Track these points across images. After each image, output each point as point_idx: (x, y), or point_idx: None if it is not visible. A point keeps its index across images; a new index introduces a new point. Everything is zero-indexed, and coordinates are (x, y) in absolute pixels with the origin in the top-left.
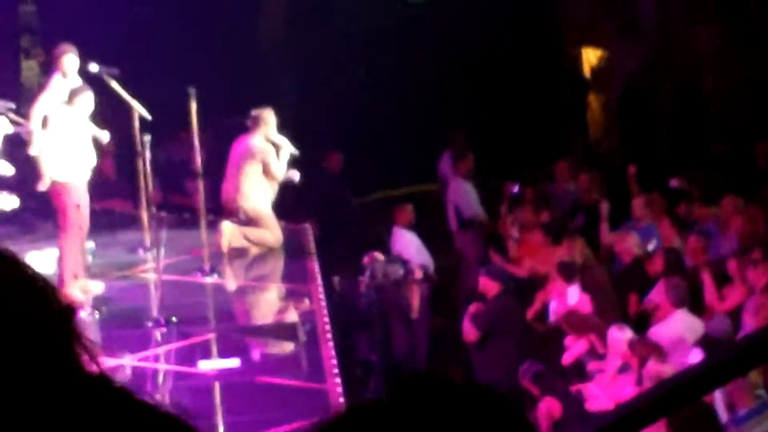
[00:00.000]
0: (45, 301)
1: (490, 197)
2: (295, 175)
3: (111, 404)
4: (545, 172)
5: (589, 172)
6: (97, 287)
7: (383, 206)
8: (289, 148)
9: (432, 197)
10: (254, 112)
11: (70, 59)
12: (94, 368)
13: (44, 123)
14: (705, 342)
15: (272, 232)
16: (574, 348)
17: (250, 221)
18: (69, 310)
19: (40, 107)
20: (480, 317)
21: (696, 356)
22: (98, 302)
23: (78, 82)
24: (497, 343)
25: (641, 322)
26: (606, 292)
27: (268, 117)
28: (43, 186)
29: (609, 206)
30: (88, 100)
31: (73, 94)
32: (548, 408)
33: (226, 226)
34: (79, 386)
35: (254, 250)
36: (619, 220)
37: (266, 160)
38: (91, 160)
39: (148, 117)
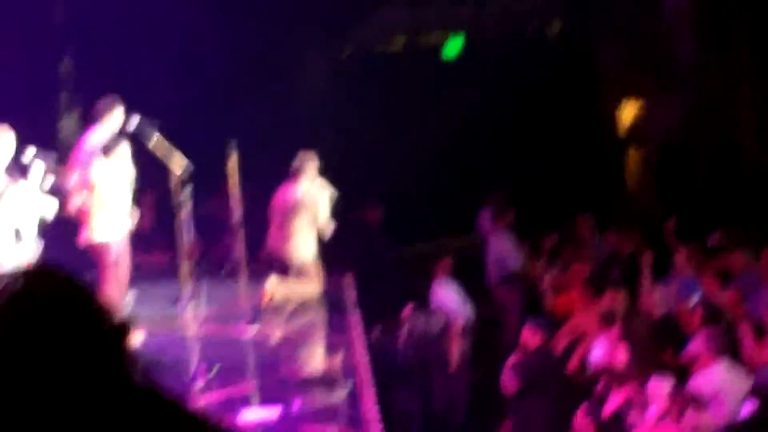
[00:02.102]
0: (98, 318)
1: (529, 250)
2: (330, 227)
3: (160, 412)
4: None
5: (623, 227)
6: (137, 339)
7: (423, 258)
8: (329, 191)
9: (471, 250)
10: (299, 159)
11: (118, 114)
12: (144, 382)
13: (82, 180)
14: (758, 392)
15: (314, 284)
16: (614, 399)
17: (297, 272)
18: (121, 327)
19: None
20: (520, 368)
21: (747, 407)
22: (137, 354)
23: (113, 135)
24: (536, 395)
25: (678, 375)
26: (645, 343)
27: (313, 163)
28: (84, 241)
29: (651, 257)
30: (125, 152)
31: (109, 148)
32: None
33: (272, 282)
34: (129, 396)
35: (294, 302)
36: (657, 275)
37: (316, 209)
38: (129, 215)
39: (189, 169)
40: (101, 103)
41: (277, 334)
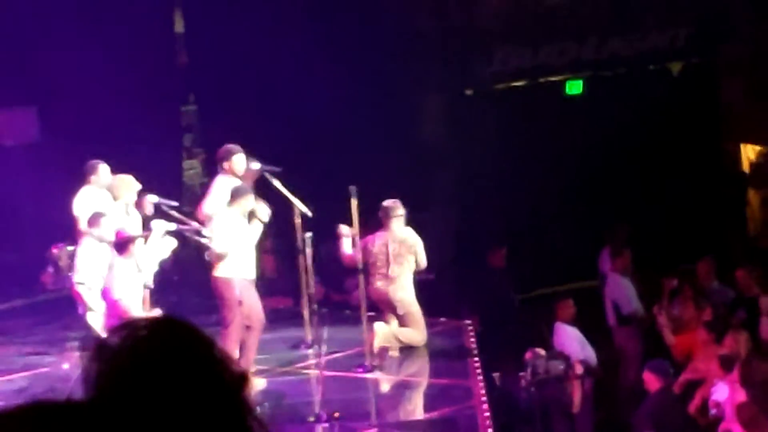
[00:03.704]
0: (218, 370)
1: (649, 292)
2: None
3: None
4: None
5: (748, 267)
6: (260, 383)
7: (545, 302)
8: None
9: (593, 293)
10: (388, 208)
11: (238, 160)
12: None
13: (209, 222)
14: None
15: (421, 331)
16: None
17: (402, 317)
18: (241, 380)
19: (209, 209)
20: (646, 412)
21: None
22: (261, 398)
23: (239, 181)
24: None
25: None
26: (766, 387)
27: (401, 209)
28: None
29: None
30: (249, 200)
31: (235, 195)
32: None
33: (380, 327)
34: None
35: (402, 347)
36: None
37: (418, 251)
38: (252, 258)
39: (309, 214)
40: (223, 149)
41: (397, 378)
